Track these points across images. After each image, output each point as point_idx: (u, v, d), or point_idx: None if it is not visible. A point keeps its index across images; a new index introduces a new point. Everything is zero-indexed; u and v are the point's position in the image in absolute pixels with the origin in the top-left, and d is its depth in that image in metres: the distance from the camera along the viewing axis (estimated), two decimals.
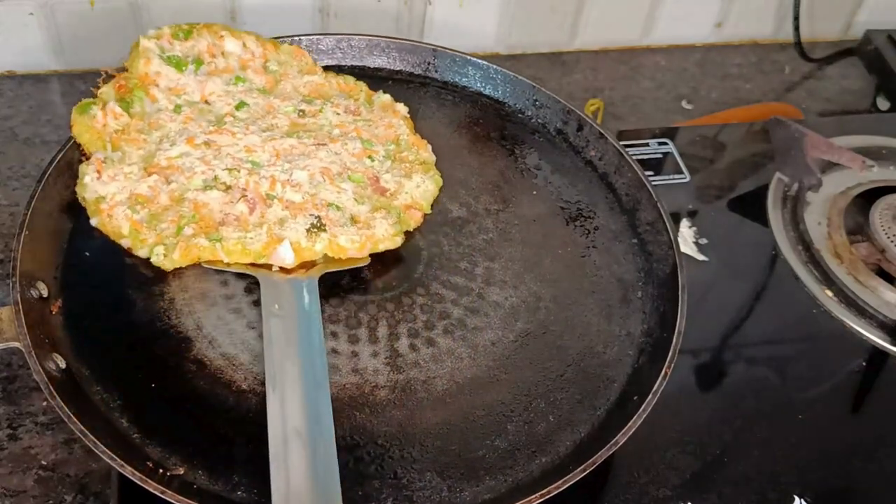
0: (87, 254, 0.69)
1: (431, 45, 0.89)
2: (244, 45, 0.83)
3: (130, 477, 0.55)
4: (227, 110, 0.78)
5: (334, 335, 0.67)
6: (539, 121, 0.87)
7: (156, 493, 0.54)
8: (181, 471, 0.58)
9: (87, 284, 0.68)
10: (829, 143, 0.95)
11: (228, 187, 0.71)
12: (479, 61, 0.88)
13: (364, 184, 0.75)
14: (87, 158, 0.73)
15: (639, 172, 0.79)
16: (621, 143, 0.82)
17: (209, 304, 0.68)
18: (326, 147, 0.75)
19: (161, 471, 0.57)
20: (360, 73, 0.88)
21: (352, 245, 0.70)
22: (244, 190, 0.71)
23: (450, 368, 0.67)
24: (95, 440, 0.56)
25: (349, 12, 1.05)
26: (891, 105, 1.15)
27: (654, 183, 0.78)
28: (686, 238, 0.88)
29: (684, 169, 0.95)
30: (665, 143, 0.97)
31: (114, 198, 0.69)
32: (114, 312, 0.66)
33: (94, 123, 0.74)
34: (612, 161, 0.82)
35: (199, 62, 0.80)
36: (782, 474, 0.71)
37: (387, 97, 0.83)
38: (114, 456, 0.55)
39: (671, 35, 1.19)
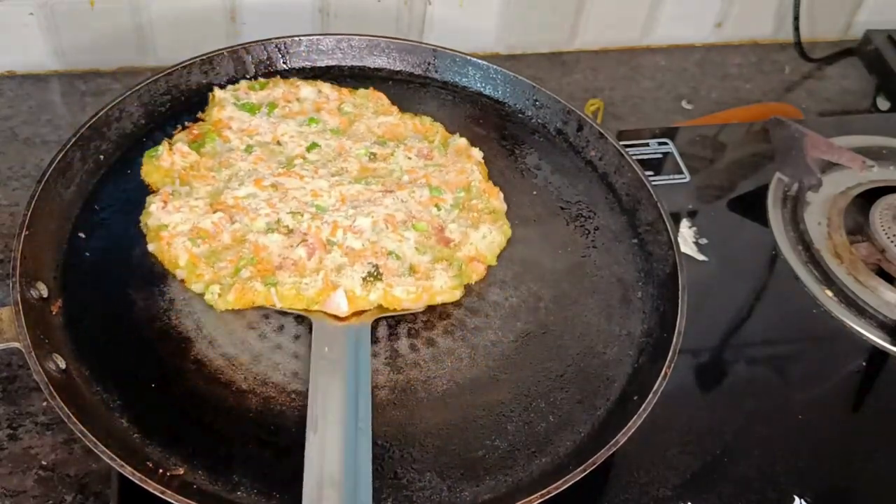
0: (88, 254, 0.69)
1: (431, 46, 0.89)
2: (319, 91, 0.83)
3: (130, 477, 0.55)
4: (298, 152, 0.77)
5: None
6: (539, 121, 0.87)
7: (156, 493, 0.54)
8: (181, 471, 0.58)
9: (88, 285, 0.68)
10: (829, 143, 0.95)
11: (290, 231, 0.70)
12: (479, 61, 0.88)
13: (428, 233, 0.73)
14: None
15: (639, 172, 0.79)
16: (621, 143, 0.82)
17: (209, 305, 0.67)
18: (394, 194, 0.74)
19: (161, 471, 0.57)
20: (360, 73, 0.88)
21: (407, 296, 0.68)
22: (305, 234, 0.70)
23: (450, 368, 0.67)
24: (95, 440, 0.56)
25: (349, 12, 1.05)
26: (891, 105, 1.15)
27: (654, 183, 0.78)
28: (686, 238, 0.88)
29: (684, 169, 0.95)
30: (665, 143, 0.97)
31: (176, 227, 0.69)
32: (114, 313, 0.66)
33: (160, 163, 0.74)
34: (612, 161, 0.82)
35: (272, 105, 0.81)
36: (782, 474, 0.71)
37: (462, 141, 0.81)
38: (114, 456, 0.55)
39: (671, 35, 1.19)
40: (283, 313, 0.68)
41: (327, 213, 0.72)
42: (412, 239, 0.71)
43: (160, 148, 0.76)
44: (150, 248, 0.70)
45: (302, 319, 0.68)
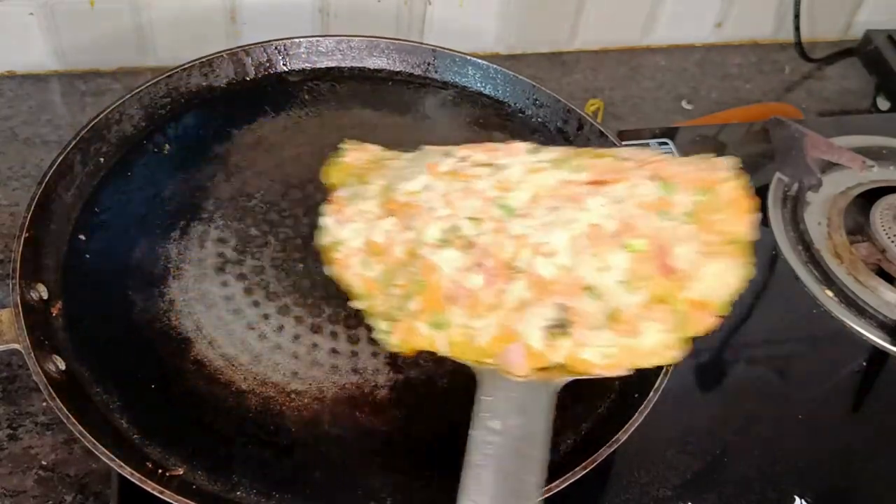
0: (88, 256, 0.69)
1: (431, 46, 0.89)
2: None
3: (130, 477, 0.55)
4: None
5: (334, 335, 0.67)
6: (539, 120, 0.87)
7: (155, 493, 0.55)
8: (181, 471, 0.58)
9: (88, 286, 0.68)
10: (829, 143, 0.95)
11: (469, 244, 0.55)
12: (479, 61, 0.88)
13: (645, 256, 0.52)
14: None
15: None
16: (622, 143, 0.82)
17: (209, 305, 0.67)
18: (605, 189, 0.54)
19: (160, 471, 0.57)
20: (360, 74, 0.88)
21: (601, 361, 0.53)
22: (485, 253, 0.55)
23: (450, 367, 0.67)
24: (95, 440, 0.56)
25: (349, 12, 1.05)
26: (891, 105, 1.15)
27: None
28: None
29: None
30: (665, 143, 0.97)
31: (348, 244, 0.58)
32: (114, 314, 0.66)
33: (345, 158, 0.63)
34: None
35: None
36: (782, 474, 0.71)
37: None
38: (113, 456, 0.55)
39: (671, 35, 1.19)
40: (282, 313, 0.68)
41: (514, 219, 0.55)
42: (620, 268, 0.53)
43: (345, 147, 0.64)
44: (326, 271, 0.60)
45: (301, 320, 0.68)
